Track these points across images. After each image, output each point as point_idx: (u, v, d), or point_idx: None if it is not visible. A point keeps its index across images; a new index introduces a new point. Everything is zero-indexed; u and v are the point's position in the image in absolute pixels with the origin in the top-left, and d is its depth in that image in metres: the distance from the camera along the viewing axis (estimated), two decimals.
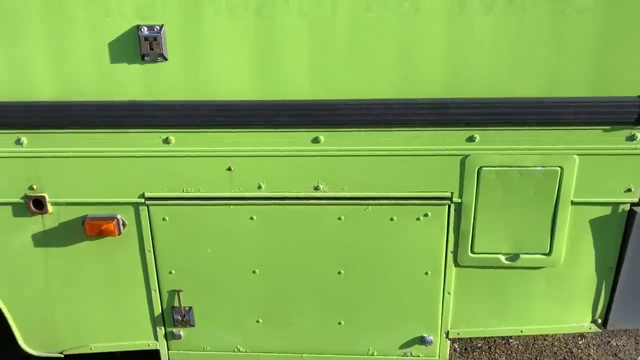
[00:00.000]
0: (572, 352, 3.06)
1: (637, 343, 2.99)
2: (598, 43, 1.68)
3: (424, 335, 2.10)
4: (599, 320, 2.05)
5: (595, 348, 3.03)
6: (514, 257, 1.97)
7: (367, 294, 2.06)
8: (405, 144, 1.84)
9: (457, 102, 1.75)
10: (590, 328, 2.06)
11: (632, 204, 1.86)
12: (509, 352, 3.09)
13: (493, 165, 1.85)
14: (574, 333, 3.10)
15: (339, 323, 2.12)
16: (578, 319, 2.05)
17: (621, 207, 1.87)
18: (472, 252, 1.97)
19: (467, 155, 1.84)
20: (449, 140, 1.83)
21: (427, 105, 1.75)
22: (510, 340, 3.16)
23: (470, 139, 1.82)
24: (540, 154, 1.82)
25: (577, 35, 1.67)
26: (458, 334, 2.11)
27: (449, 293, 2.04)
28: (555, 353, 3.07)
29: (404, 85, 1.75)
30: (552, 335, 3.19)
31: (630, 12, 1.63)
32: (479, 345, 3.07)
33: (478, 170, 1.85)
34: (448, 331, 2.11)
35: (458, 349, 3.05)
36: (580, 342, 3.08)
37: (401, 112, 1.76)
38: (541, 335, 3.09)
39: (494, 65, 1.72)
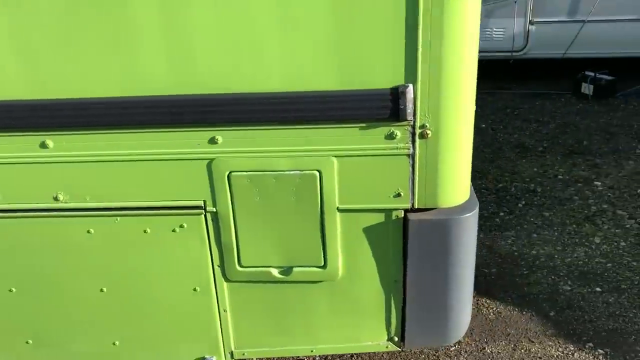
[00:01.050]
0: None
1: (515, 350, 2.76)
2: (339, 29, 1.44)
3: (206, 356, 1.90)
4: (396, 338, 1.83)
5: (466, 356, 2.83)
6: (287, 270, 1.74)
7: (137, 313, 1.85)
8: (147, 148, 1.62)
9: (184, 99, 1.52)
10: (387, 347, 1.84)
11: (406, 211, 1.62)
12: None
13: (243, 169, 1.62)
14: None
15: (114, 343, 1.93)
16: (373, 337, 1.82)
17: (394, 213, 1.63)
18: (240, 265, 1.75)
19: (212, 159, 1.62)
20: (190, 143, 1.61)
21: (150, 104, 1.53)
22: None
23: (212, 141, 1.60)
24: (294, 157, 1.58)
25: (312, 20, 1.43)
26: (244, 354, 1.90)
27: (225, 310, 1.83)
28: None
29: (125, 82, 1.53)
30: None
31: None
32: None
33: (228, 176, 1.63)
34: (232, 351, 1.90)
35: None
36: (451, 349, 2.87)
37: (121, 111, 1.54)
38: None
39: (227, 59, 1.49)
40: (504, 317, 2.84)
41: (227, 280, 1.77)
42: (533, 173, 4.34)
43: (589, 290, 3.00)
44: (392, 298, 1.73)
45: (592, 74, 5.86)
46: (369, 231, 1.64)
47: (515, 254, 3.34)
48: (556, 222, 3.65)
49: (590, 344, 2.66)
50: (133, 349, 1.91)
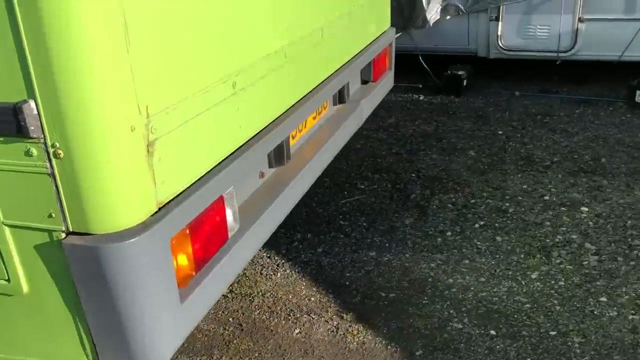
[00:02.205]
0: None
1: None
2: None
3: None
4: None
5: None
6: None
7: None
8: None
9: None
10: None
11: (69, 233, 1.53)
12: None
13: None
14: None
15: None
16: (73, 356, 1.75)
17: (54, 235, 1.55)
18: None
19: None
20: None
21: None
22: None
23: None
24: None
25: None
26: None
27: None
28: None
29: None
30: None
31: None
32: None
33: None
34: None
35: None
36: None
37: None
38: None
39: None
40: (365, 349, 2.60)
41: None
42: (518, 191, 3.90)
43: (481, 332, 2.65)
44: (78, 319, 1.65)
45: None
46: (39, 250, 1.57)
47: (429, 280, 3.04)
48: (503, 250, 3.26)
49: None
50: None
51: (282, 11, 2.25)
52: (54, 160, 1.42)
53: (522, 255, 3.19)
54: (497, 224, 3.51)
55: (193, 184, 1.74)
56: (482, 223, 3.53)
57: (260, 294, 3.00)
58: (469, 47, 5.87)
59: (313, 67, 2.63)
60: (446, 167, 4.31)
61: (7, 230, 1.57)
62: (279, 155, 2.40)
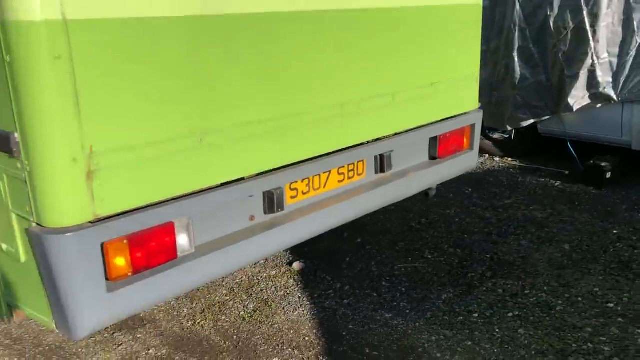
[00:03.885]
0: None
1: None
2: None
3: None
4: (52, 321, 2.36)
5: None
6: None
7: None
8: None
9: None
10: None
11: (36, 223, 2.23)
12: None
13: None
14: None
15: None
16: (44, 310, 2.31)
17: (30, 223, 2.25)
18: None
19: None
20: None
21: None
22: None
23: None
24: None
25: None
26: None
27: None
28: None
29: None
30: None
31: None
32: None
33: None
34: None
35: None
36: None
37: None
38: None
39: None
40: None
41: None
42: (585, 292, 3.68)
43: None
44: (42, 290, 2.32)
45: None
46: (25, 233, 2.29)
47: (418, 350, 3.15)
48: (517, 343, 3.19)
49: None
50: None
51: (273, 84, 2.71)
52: (25, 173, 2.15)
53: (534, 353, 3.09)
54: (532, 318, 3.40)
55: (140, 207, 2.33)
56: (516, 313, 3.46)
57: (270, 323, 3.44)
58: (622, 139, 5.49)
59: (324, 135, 3.01)
60: (528, 255, 4.21)
61: (13, 216, 2.35)
62: (270, 204, 2.86)
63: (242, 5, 2.48)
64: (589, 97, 5.40)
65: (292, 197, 3.00)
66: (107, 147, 2.19)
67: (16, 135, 2.10)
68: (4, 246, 2.45)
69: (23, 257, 2.40)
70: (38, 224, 2.20)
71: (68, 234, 2.14)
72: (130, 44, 2.18)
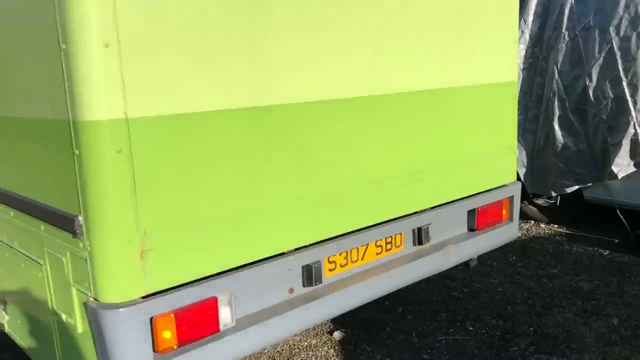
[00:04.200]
0: None
1: None
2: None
3: None
4: None
5: None
6: None
7: None
8: None
9: None
10: None
11: (93, 298, 2.44)
12: None
13: None
14: None
15: None
16: None
17: (88, 297, 2.46)
18: None
19: None
20: None
21: None
22: None
23: None
24: None
25: None
26: None
27: None
28: None
29: None
30: None
31: None
32: None
33: None
34: None
35: None
36: None
37: None
38: None
39: None
40: None
41: None
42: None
43: None
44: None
45: None
46: (82, 304, 2.51)
47: None
48: None
49: None
50: None
51: (311, 165, 2.90)
52: (86, 252, 2.38)
53: None
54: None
55: (185, 284, 2.52)
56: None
57: None
58: None
59: (362, 210, 3.17)
60: (573, 329, 4.16)
61: (73, 290, 2.57)
62: (309, 278, 3.00)
63: (283, 97, 2.71)
64: (635, 164, 5.38)
65: (330, 270, 3.12)
66: (159, 230, 2.40)
67: (80, 218, 2.34)
68: (64, 317, 2.66)
69: (80, 328, 2.60)
70: (95, 299, 2.41)
71: (121, 309, 2.32)
72: (182, 135, 2.41)
